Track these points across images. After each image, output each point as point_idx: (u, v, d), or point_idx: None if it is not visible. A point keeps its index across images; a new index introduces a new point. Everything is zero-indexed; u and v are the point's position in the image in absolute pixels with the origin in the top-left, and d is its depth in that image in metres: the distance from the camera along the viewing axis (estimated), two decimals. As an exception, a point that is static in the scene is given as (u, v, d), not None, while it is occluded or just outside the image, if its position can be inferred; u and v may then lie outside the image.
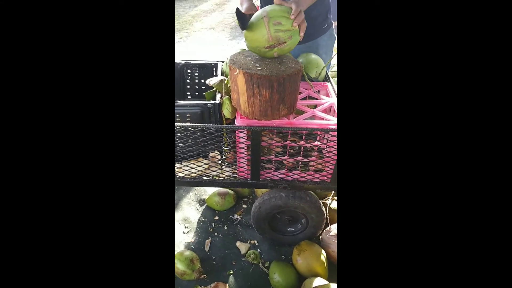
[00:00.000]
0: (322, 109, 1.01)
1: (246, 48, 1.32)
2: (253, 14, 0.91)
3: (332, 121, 0.93)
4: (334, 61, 2.18)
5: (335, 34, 1.39)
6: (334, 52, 1.43)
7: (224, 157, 1.08)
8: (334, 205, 1.29)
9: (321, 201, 1.23)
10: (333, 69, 2.06)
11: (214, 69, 1.27)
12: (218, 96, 1.02)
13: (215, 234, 1.31)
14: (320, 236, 1.21)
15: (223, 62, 1.24)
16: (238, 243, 1.26)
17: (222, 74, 1.17)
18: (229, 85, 1.03)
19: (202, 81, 1.32)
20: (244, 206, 1.44)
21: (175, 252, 1.15)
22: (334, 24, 2.97)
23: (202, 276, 1.14)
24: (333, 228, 1.18)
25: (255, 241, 1.28)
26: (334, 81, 1.99)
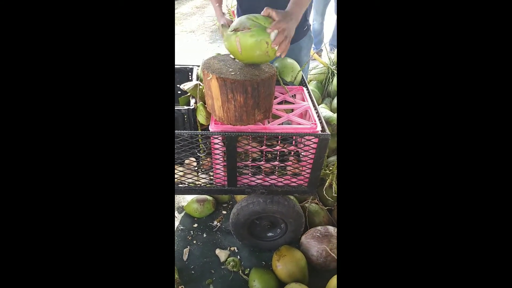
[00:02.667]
0: (298, 114, 1.01)
1: (222, 52, 1.30)
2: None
3: (307, 125, 0.93)
4: (311, 64, 2.21)
5: (312, 35, 1.40)
6: (310, 55, 1.44)
7: (200, 163, 1.06)
8: (313, 208, 1.30)
9: (300, 205, 1.23)
10: (311, 72, 2.09)
11: (190, 73, 1.25)
12: (192, 101, 1.00)
13: (194, 242, 1.28)
14: (300, 240, 1.20)
15: (199, 66, 1.22)
16: (217, 251, 1.24)
17: (198, 78, 1.15)
18: (203, 90, 1.01)
19: (178, 85, 1.29)
20: (224, 212, 1.42)
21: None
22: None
23: (180, 287, 1.11)
24: (312, 232, 1.18)
25: (235, 248, 1.26)
26: (312, 84, 2.01)
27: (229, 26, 0.92)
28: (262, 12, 0.86)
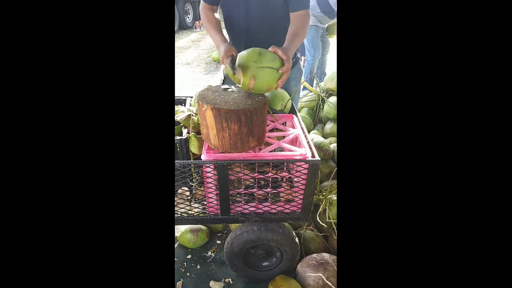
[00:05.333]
0: (288, 140, 1.04)
1: (214, 83, 1.36)
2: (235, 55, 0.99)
3: (297, 152, 0.95)
4: (301, 93, 2.29)
5: (302, 67, 1.48)
6: (302, 85, 1.51)
7: (193, 192, 1.06)
8: (308, 235, 1.28)
9: (295, 232, 1.22)
10: (302, 100, 2.15)
11: (183, 104, 1.29)
12: (184, 131, 1.02)
13: (187, 274, 1.24)
14: (296, 269, 1.17)
15: (192, 97, 1.27)
16: (211, 283, 1.20)
17: (191, 109, 1.19)
18: (197, 121, 1.04)
19: (172, 116, 1.32)
20: (218, 241, 1.39)
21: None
22: (303, 57, 3.22)
23: (173, 324, 1.06)
24: (308, 260, 1.16)
25: (230, 279, 1.22)
26: (304, 111, 2.07)
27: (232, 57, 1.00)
28: (269, 48, 0.96)
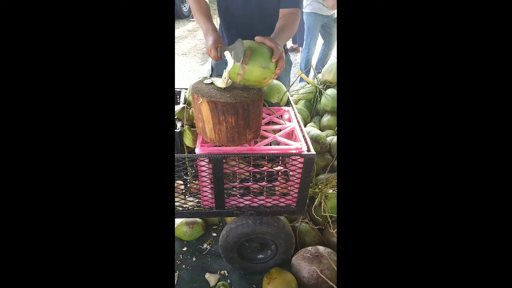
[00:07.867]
0: (284, 134, 1.03)
1: (209, 76, 1.33)
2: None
3: (293, 145, 0.94)
4: (299, 85, 2.27)
5: (290, 58, 1.46)
6: (293, 78, 1.50)
7: (187, 186, 1.05)
8: (303, 228, 1.29)
9: (290, 225, 1.22)
10: (299, 91, 2.13)
11: (178, 96, 1.27)
12: (179, 124, 1.01)
13: (183, 266, 1.25)
14: (291, 262, 1.18)
15: (186, 89, 1.24)
16: (207, 275, 1.21)
17: (185, 102, 1.17)
18: (191, 113, 1.03)
19: (166, 108, 1.30)
20: (214, 234, 1.40)
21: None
22: (294, 46, 3.16)
23: (168, 315, 1.07)
24: (303, 252, 1.16)
25: (225, 272, 1.23)
26: (301, 103, 2.05)
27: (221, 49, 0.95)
28: (256, 38, 0.92)
